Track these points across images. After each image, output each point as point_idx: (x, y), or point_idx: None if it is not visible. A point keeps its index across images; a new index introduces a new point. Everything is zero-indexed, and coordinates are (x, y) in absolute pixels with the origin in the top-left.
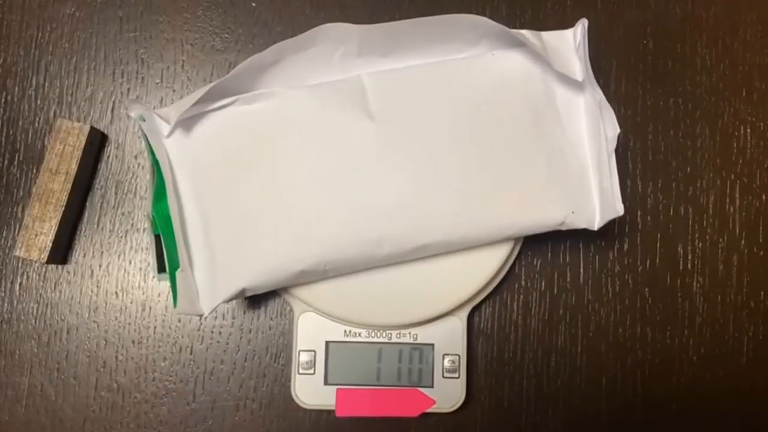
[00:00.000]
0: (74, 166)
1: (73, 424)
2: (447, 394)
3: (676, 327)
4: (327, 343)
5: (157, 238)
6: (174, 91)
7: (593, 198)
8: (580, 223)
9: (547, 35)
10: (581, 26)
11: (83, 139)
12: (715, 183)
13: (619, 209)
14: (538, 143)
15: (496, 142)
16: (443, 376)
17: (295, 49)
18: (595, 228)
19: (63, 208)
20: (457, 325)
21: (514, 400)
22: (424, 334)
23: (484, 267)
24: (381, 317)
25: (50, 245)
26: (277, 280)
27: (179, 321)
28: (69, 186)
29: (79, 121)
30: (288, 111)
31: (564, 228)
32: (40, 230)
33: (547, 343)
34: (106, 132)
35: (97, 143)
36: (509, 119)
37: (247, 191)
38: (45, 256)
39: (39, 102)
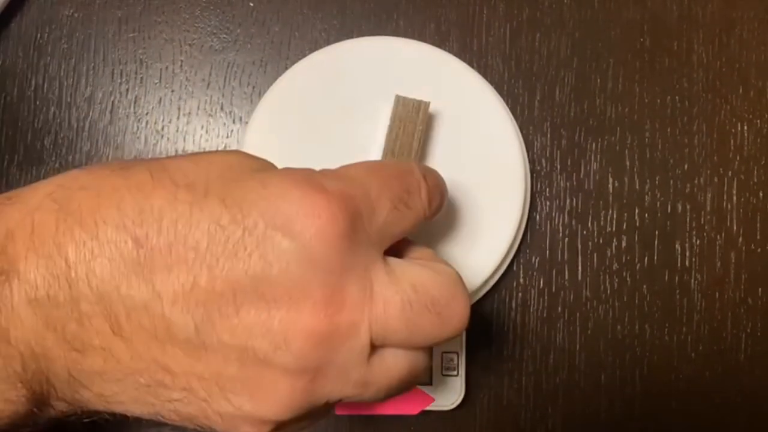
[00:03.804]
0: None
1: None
2: (446, 391)
3: (674, 324)
4: None
5: None
6: (173, 91)
7: None
8: None
9: None
10: None
11: None
12: (713, 180)
13: None
14: None
15: None
16: (442, 374)
17: None
18: None
19: None
20: None
21: (512, 398)
22: None
23: (481, 265)
24: None
25: None
26: None
27: None
28: None
29: (77, 120)
30: None
31: None
32: None
33: (546, 340)
34: (105, 131)
35: None
36: None
37: None
38: None
39: (38, 103)
